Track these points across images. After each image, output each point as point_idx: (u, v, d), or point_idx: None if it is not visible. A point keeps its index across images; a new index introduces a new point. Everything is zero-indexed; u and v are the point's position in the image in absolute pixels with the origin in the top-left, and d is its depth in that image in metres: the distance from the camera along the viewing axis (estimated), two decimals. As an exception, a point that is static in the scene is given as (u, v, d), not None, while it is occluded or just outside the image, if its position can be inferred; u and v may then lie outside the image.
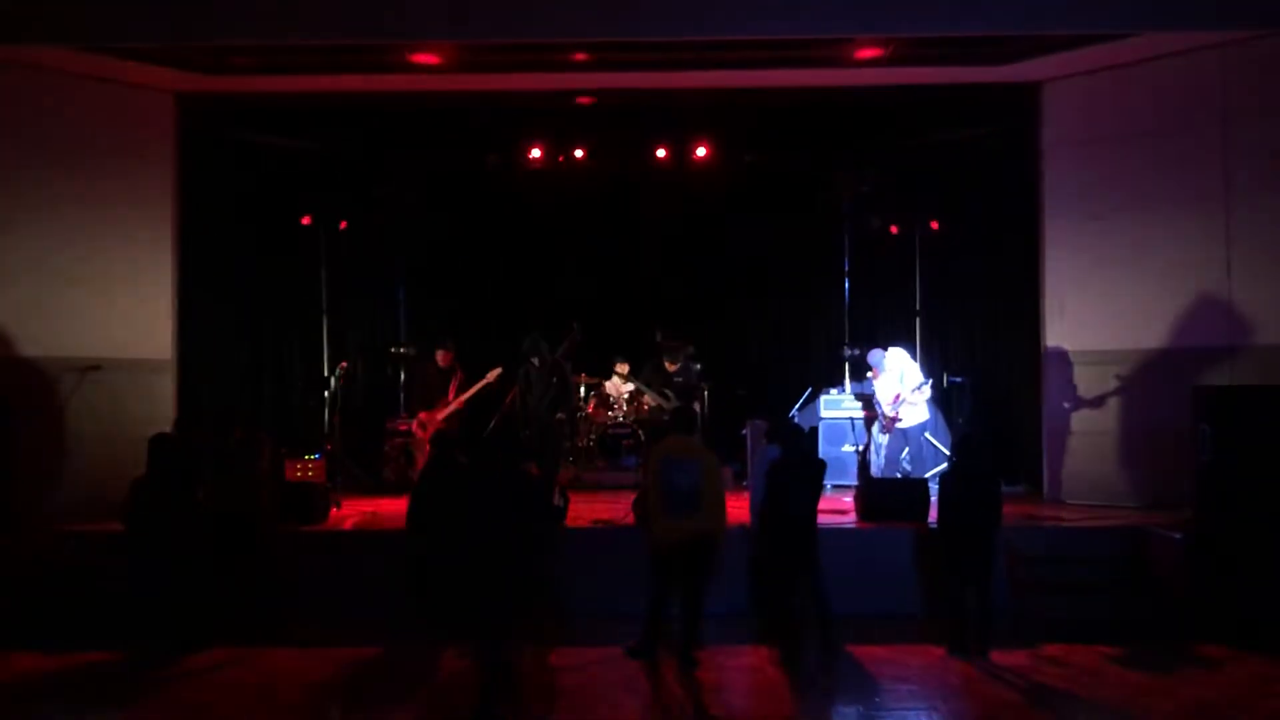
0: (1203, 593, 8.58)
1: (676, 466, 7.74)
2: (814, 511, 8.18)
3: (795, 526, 8.05)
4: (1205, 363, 10.23)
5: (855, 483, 11.28)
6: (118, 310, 10.97)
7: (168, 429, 9.39)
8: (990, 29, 9.86)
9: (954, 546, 8.18)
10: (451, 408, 11.22)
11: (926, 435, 11.65)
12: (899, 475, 11.11)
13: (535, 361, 10.90)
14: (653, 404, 11.99)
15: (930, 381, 11.33)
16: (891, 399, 11.21)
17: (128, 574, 8.34)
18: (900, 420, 11.24)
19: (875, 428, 11.52)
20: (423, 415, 11.30)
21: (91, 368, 10.67)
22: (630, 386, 12.42)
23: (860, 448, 11.50)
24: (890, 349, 11.50)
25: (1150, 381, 10.64)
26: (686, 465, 7.75)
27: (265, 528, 8.85)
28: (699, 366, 12.64)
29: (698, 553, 7.75)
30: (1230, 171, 10.28)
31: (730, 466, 12.03)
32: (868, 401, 11.61)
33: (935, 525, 8.70)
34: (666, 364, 11.40)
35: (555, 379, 11.03)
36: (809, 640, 7.99)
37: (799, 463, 8.20)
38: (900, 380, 11.22)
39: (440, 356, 11.47)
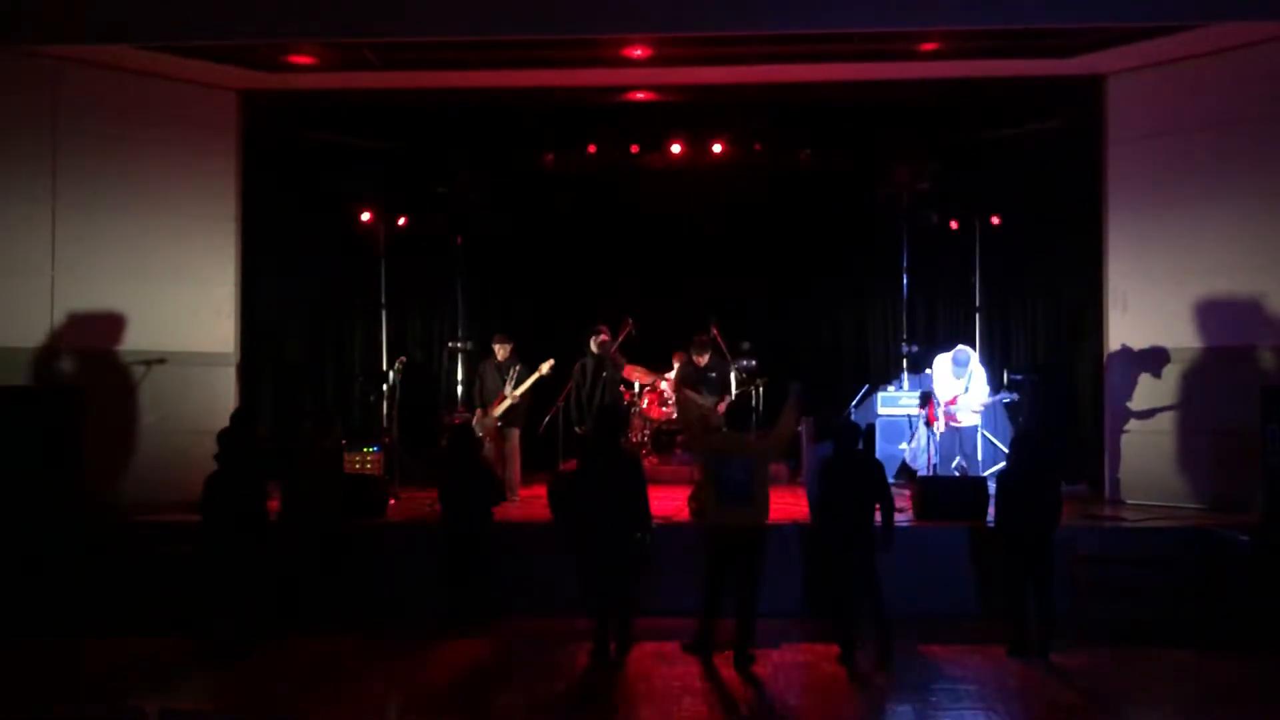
0: (1270, 598, 8.40)
1: (728, 462, 7.82)
2: (869, 509, 8.11)
3: (850, 524, 8.00)
4: (1273, 362, 10.01)
5: (898, 480, 11.25)
6: (182, 304, 11.17)
7: (228, 422, 9.52)
8: (1053, 21, 9.72)
9: (1012, 546, 8.10)
10: (508, 401, 11.22)
11: (985, 433, 11.52)
12: (956, 474, 10.99)
13: (592, 352, 11.07)
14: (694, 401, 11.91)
15: (995, 400, 11.19)
16: (950, 399, 11.08)
17: (204, 563, 8.49)
18: (954, 420, 11.11)
19: (923, 422, 11.37)
20: (480, 411, 11.33)
21: (157, 361, 10.88)
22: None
23: (905, 444, 11.44)
24: (973, 353, 11.37)
25: (1216, 380, 10.43)
26: (738, 461, 7.82)
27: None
28: (753, 362, 12.59)
29: (749, 545, 7.81)
30: (1302, 165, 10.06)
31: (786, 463, 12.02)
32: (926, 399, 11.46)
33: (993, 524, 8.62)
34: (694, 358, 11.36)
35: (604, 374, 11.12)
36: (866, 639, 7.95)
37: (852, 460, 8.16)
38: (967, 384, 11.07)
39: (498, 351, 11.47)
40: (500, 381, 11.28)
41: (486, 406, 11.29)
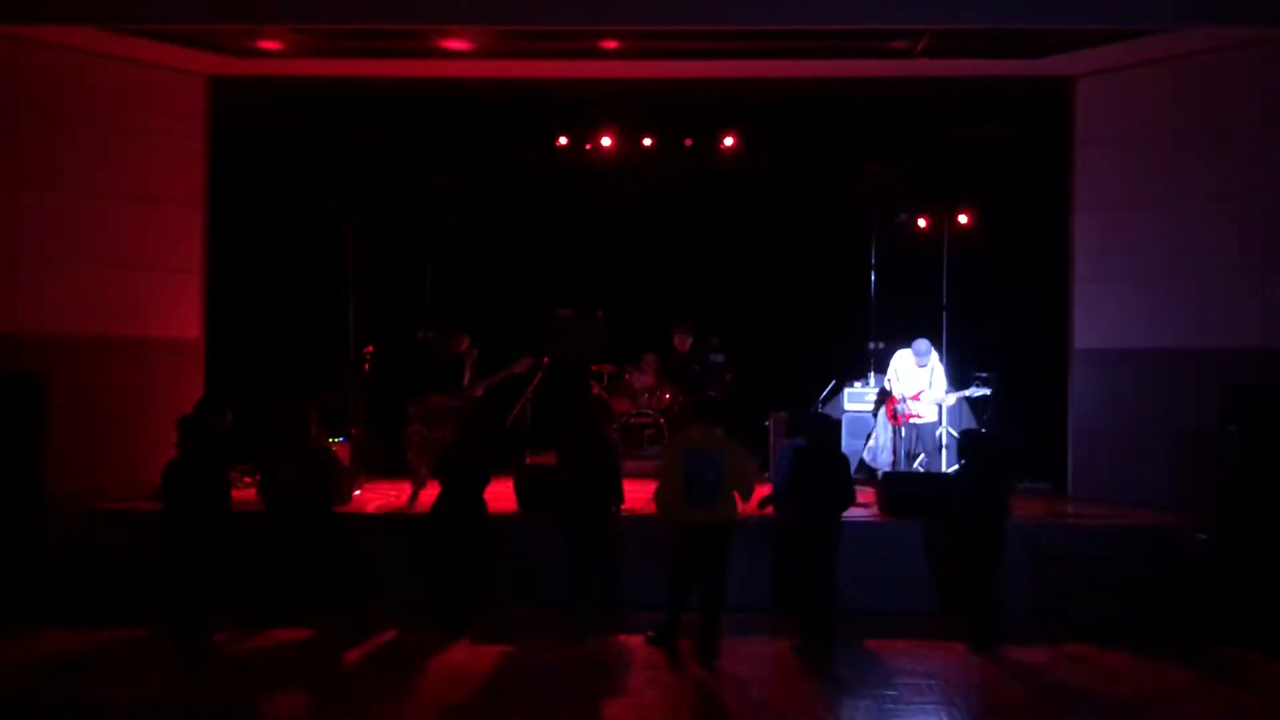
0: (1229, 595, 8.52)
1: (699, 457, 7.81)
2: (836, 503, 8.17)
3: (815, 518, 8.06)
4: (1235, 363, 10.11)
5: (858, 475, 11.28)
6: (147, 290, 11.05)
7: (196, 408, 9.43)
8: (1025, 22, 9.77)
9: (961, 542, 8.22)
10: (479, 389, 10.97)
11: (949, 430, 11.59)
12: (921, 470, 11.06)
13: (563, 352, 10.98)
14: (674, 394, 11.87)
15: (959, 395, 11.22)
16: (914, 394, 11.13)
17: (166, 552, 8.40)
18: (918, 416, 11.17)
19: (881, 418, 11.42)
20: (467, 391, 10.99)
21: (121, 347, 10.76)
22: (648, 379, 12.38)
23: (868, 437, 11.49)
24: (932, 347, 11.42)
25: (1179, 381, 10.55)
26: (709, 456, 7.82)
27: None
28: (722, 357, 12.60)
29: (715, 541, 7.83)
30: (1266, 170, 10.16)
31: (753, 457, 12.03)
32: (883, 396, 11.49)
33: (944, 520, 8.67)
34: (676, 343, 11.23)
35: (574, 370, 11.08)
36: (827, 633, 8.01)
37: (825, 453, 8.21)
38: (929, 379, 11.14)
39: (460, 342, 11.23)
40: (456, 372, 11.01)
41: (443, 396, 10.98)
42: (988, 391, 11.19)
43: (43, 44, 10.38)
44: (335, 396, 10.37)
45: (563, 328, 11.47)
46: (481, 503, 8.76)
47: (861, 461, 11.56)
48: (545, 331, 11.14)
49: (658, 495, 8.17)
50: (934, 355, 11.29)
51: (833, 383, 12.45)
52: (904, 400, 11.16)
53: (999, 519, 8.21)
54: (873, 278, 13.24)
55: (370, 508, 10.17)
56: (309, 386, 9.74)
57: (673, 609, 7.96)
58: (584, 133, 13.33)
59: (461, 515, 8.61)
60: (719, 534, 7.84)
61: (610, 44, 10.66)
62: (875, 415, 11.56)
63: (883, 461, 11.23)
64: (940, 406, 11.29)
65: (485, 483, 8.82)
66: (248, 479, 10.92)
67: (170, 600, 8.24)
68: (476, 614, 8.54)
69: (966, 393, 11.15)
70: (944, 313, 12.78)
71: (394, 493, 10.62)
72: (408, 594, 8.75)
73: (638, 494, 9.91)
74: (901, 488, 9.87)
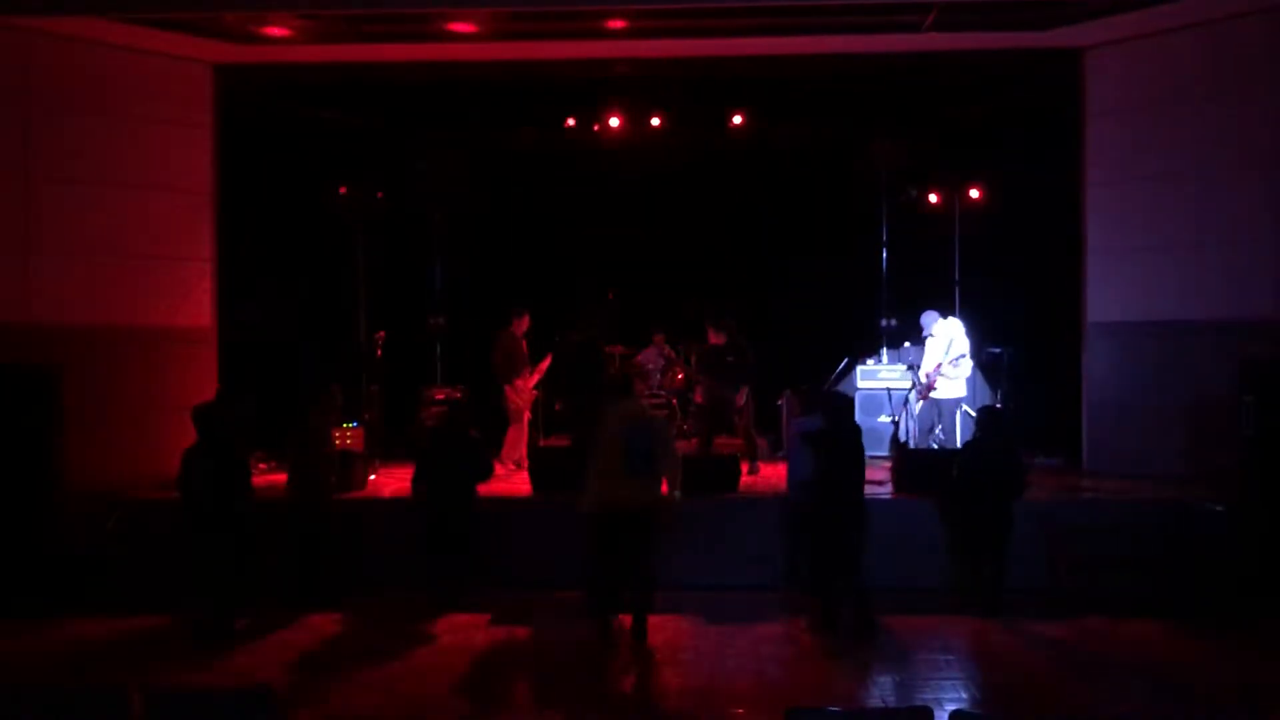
0: (1246, 566, 8.49)
1: (636, 430, 7.66)
2: (859, 482, 8.19)
3: (845, 496, 8.06)
4: (1251, 335, 10.05)
5: (885, 453, 11.25)
6: (159, 280, 11.07)
7: (211, 397, 9.46)
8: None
9: (969, 517, 8.31)
10: (534, 378, 11.32)
11: (965, 408, 11.55)
12: (935, 446, 11.02)
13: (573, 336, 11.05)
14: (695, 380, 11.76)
15: (968, 356, 11.13)
16: (932, 367, 11.09)
17: (184, 541, 8.43)
18: (936, 390, 11.13)
19: (911, 396, 11.39)
20: (518, 382, 11.27)
21: (134, 337, 10.79)
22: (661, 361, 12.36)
23: (894, 418, 11.43)
24: (947, 317, 11.33)
25: (1193, 353, 10.50)
26: (643, 429, 7.71)
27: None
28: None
29: (645, 524, 7.68)
30: (1278, 139, 10.08)
31: (766, 437, 12.04)
32: (910, 369, 11.46)
33: (952, 495, 8.66)
34: (711, 336, 11.17)
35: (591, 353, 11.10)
36: (844, 610, 8.00)
37: (846, 433, 8.21)
38: (945, 350, 11.07)
39: (524, 323, 11.45)
40: (523, 355, 11.28)
41: (522, 376, 11.24)
42: (997, 350, 11.06)
43: (51, 35, 10.37)
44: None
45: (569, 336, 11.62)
46: (472, 492, 8.72)
47: (894, 439, 11.53)
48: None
49: (590, 472, 7.78)
50: (944, 324, 11.13)
51: (845, 360, 12.41)
52: (915, 373, 11.12)
53: (1011, 496, 8.25)
54: (884, 254, 13.18)
55: (386, 492, 10.19)
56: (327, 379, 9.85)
57: (607, 594, 7.75)
58: (591, 114, 13.29)
59: (448, 499, 8.63)
60: (647, 516, 7.64)
61: (617, 23, 10.60)
62: (909, 392, 11.51)
63: (905, 435, 11.18)
64: (964, 383, 11.19)
65: (475, 468, 8.77)
66: (263, 465, 11.01)
67: (190, 587, 8.28)
68: (469, 591, 8.58)
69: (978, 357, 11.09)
70: (956, 288, 12.73)
71: (408, 477, 10.62)
72: (422, 579, 8.78)
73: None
74: (916, 464, 9.85)
